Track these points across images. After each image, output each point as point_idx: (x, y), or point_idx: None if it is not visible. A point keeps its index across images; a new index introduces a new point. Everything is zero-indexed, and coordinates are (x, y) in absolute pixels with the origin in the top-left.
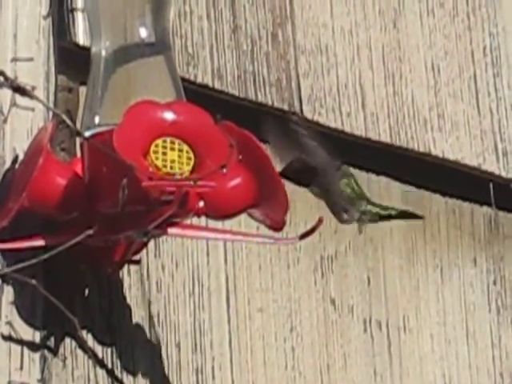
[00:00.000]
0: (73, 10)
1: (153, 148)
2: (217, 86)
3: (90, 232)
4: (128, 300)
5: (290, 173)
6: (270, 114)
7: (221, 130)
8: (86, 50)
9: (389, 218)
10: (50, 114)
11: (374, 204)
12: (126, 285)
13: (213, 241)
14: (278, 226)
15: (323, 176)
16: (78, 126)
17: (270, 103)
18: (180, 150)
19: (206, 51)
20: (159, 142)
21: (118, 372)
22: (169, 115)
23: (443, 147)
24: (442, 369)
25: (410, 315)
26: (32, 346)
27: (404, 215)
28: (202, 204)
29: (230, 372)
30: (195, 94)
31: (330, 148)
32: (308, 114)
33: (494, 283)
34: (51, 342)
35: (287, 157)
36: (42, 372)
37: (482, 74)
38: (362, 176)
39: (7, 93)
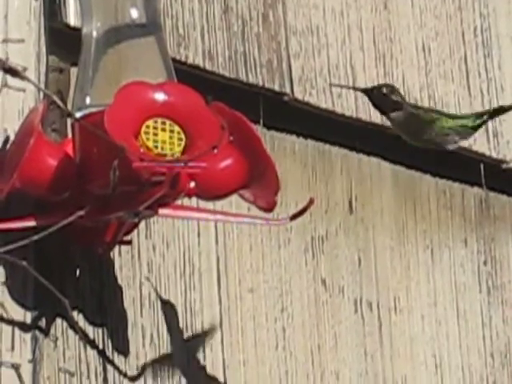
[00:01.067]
0: None
1: (144, 129)
2: (208, 66)
3: (82, 213)
4: (119, 281)
5: (376, 96)
6: (261, 94)
7: (212, 111)
8: (77, 30)
9: (480, 126)
10: (41, 94)
11: (460, 117)
12: (117, 265)
13: (204, 221)
14: (268, 207)
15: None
16: (69, 106)
17: (260, 84)
18: (171, 131)
19: (196, 32)
20: (150, 122)
21: (109, 352)
22: (160, 96)
23: None
24: (433, 349)
25: (401, 296)
26: (23, 327)
27: (495, 113)
28: (193, 185)
29: (221, 352)
30: (186, 74)
31: None
32: (299, 95)
33: (485, 264)
34: (42, 323)
35: None
36: (34, 352)
37: (473, 54)
38: (352, 157)
39: None
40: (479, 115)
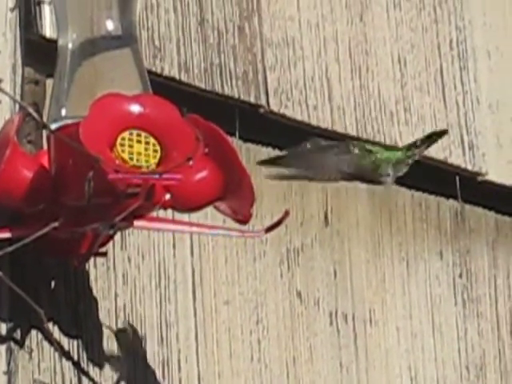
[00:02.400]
0: (40, 3)
1: (119, 141)
2: (183, 78)
3: (56, 224)
4: (94, 292)
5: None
6: (237, 106)
7: (187, 123)
8: (52, 42)
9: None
10: (17, 106)
11: (394, 149)
12: (92, 277)
13: (179, 233)
14: (244, 219)
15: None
16: (45, 118)
17: (236, 96)
18: (146, 143)
19: (172, 44)
20: (126, 134)
21: (84, 364)
22: (135, 108)
23: (410, 140)
24: (408, 362)
25: (376, 308)
26: None
27: (430, 141)
28: (168, 197)
29: (196, 364)
30: (162, 86)
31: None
32: (274, 107)
33: (460, 276)
34: (17, 334)
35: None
36: (8, 364)
37: (449, 67)
38: None
39: None
40: (411, 146)
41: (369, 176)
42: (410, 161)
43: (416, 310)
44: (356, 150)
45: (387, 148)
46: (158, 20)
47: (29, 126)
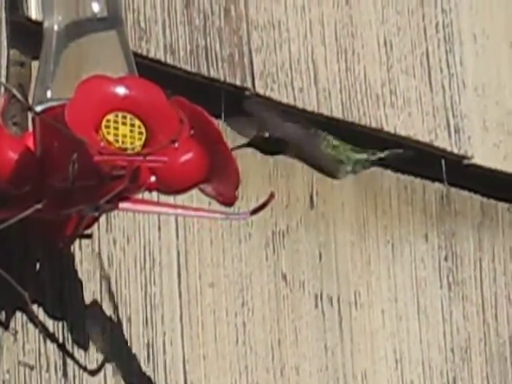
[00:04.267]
0: None
1: (104, 123)
2: (169, 61)
3: (39, 206)
4: (79, 274)
5: (259, 143)
6: (223, 89)
7: (172, 106)
8: (38, 24)
9: (380, 160)
10: (2, 88)
11: (359, 151)
12: (77, 259)
13: (164, 216)
14: (229, 201)
15: (299, 146)
16: (30, 100)
17: (222, 78)
18: (132, 125)
19: (158, 26)
20: (111, 116)
21: (69, 346)
22: (121, 90)
23: (395, 123)
24: (393, 344)
25: (362, 291)
26: None
27: (394, 156)
28: (153, 179)
29: (181, 347)
30: (147, 68)
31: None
32: (260, 90)
33: (446, 259)
34: (2, 316)
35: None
36: None
37: (435, 50)
38: None
39: None
40: (376, 153)
41: (327, 166)
42: (365, 165)
43: (401, 292)
44: (325, 141)
45: (353, 148)
46: (144, 2)
47: (14, 107)
